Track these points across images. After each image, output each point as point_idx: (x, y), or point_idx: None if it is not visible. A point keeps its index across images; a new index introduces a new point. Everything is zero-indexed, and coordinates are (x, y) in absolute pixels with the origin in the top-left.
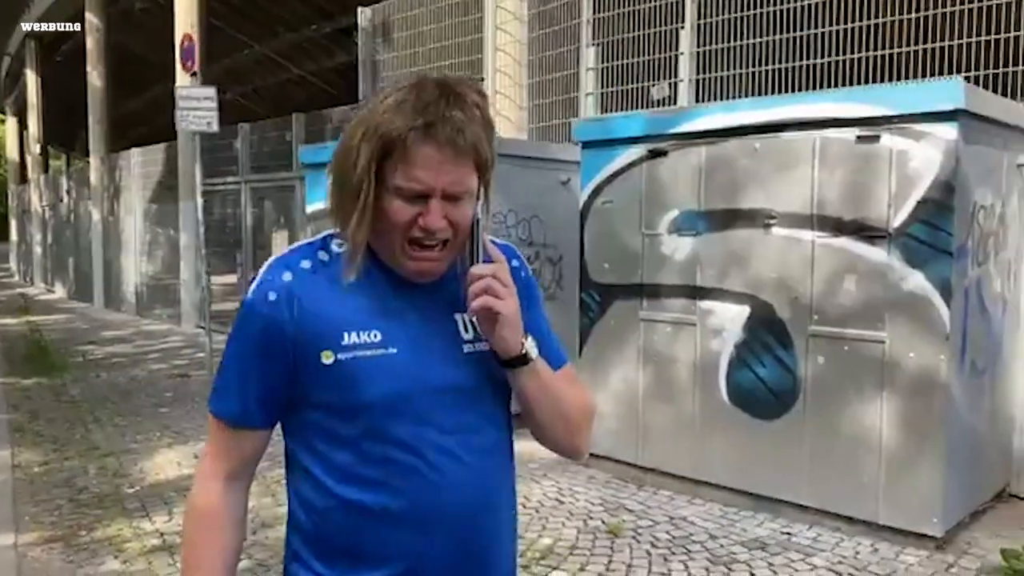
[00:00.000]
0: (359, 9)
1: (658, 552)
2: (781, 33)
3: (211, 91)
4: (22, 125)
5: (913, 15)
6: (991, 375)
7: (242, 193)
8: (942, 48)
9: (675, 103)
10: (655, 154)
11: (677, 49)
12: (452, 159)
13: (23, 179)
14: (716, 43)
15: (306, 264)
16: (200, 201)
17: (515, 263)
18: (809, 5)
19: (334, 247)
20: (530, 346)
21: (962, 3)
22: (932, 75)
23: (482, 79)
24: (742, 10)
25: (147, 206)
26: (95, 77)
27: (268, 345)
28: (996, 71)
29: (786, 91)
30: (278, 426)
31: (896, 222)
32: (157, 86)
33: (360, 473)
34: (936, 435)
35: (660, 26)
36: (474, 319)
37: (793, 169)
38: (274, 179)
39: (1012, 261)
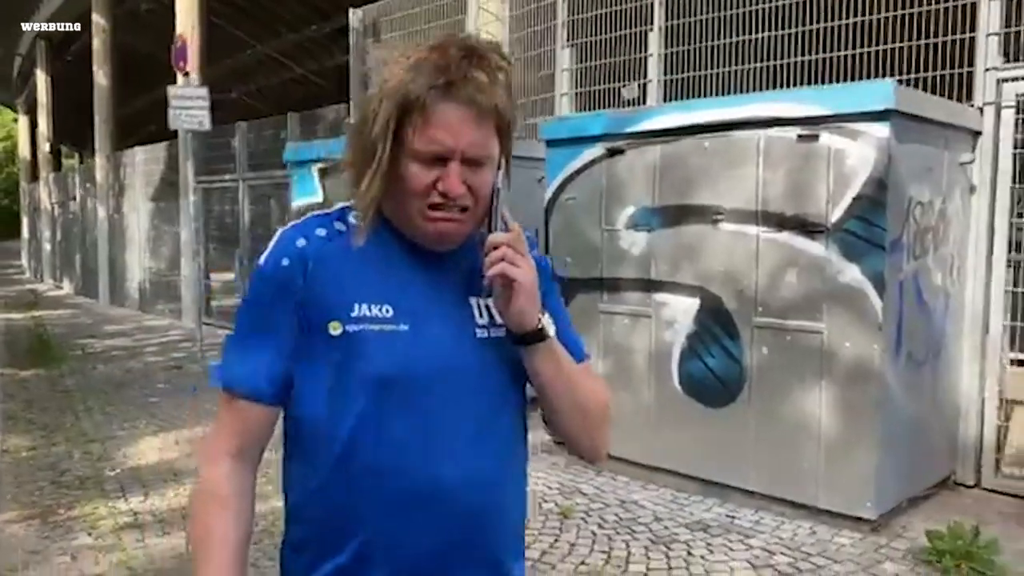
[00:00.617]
0: (350, 10)
1: (603, 532)
2: (744, 35)
3: (203, 91)
4: (33, 124)
5: (865, 18)
6: (932, 366)
7: (240, 190)
8: (894, 50)
9: (644, 103)
10: (613, 152)
11: (647, 51)
12: (473, 120)
13: (34, 177)
14: (683, 45)
15: (321, 232)
16: (192, 198)
17: (534, 252)
18: (771, 8)
19: (351, 219)
20: (547, 322)
21: (915, 6)
22: (883, 75)
23: None
24: (707, 12)
25: (150, 203)
26: (101, 76)
27: (278, 312)
28: (944, 72)
29: (749, 91)
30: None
31: (833, 217)
32: (164, 85)
33: (356, 455)
34: (870, 422)
35: (631, 28)
36: (490, 303)
37: (740, 167)
38: (270, 177)
39: (955, 256)
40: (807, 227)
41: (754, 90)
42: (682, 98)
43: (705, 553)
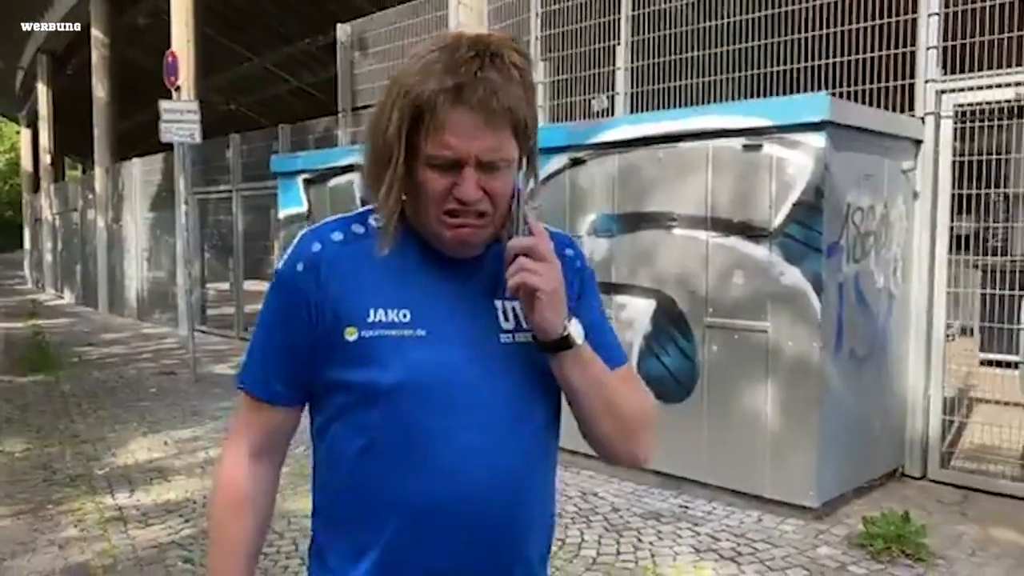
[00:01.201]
0: (338, 25)
1: (561, 522)
2: (706, 49)
3: (193, 105)
4: (35, 136)
5: (819, 32)
6: (876, 363)
7: (234, 201)
8: (845, 63)
9: (613, 114)
10: (576, 162)
11: (615, 64)
12: (486, 124)
13: (36, 188)
14: (649, 59)
15: (337, 236)
16: (184, 208)
17: (569, 252)
18: (731, 23)
19: (372, 221)
20: (574, 329)
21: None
22: (836, 87)
23: None
24: (670, 28)
25: (148, 214)
26: (100, 90)
27: (293, 317)
28: (889, 84)
29: (710, 101)
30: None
31: (776, 222)
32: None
33: (375, 462)
34: (811, 416)
35: (600, 43)
36: (516, 305)
37: (691, 175)
38: (264, 187)
39: (899, 258)
40: (752, 232)
41: (715, 101)
42: (649, 109)
43: (654, 539)
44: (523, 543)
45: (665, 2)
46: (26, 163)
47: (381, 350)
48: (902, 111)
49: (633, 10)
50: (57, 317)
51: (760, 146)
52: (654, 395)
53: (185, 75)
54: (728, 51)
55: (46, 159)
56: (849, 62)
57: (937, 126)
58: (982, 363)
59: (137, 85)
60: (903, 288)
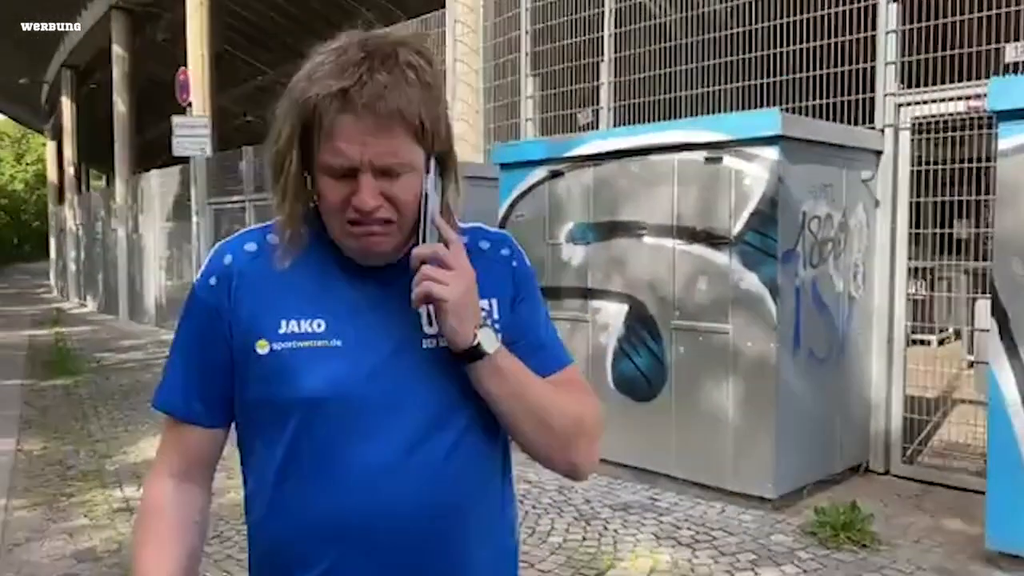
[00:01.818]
0: None
1: (535, 512)
2: (684, 65)
3: (204, 120)
4: (59, 148)
5: (787, 49)
6: (837, 363)
7: (247, 211)
8: (814, 77)
9: (597, 127)
10: (554, 174)
11: (599, 80)
12: (375, 128)
13: (60, 200)
14: (631, 74)
15: (251, 247)
16: (196, 219)
17: (504, 251)
18: (707, 39)
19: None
20: (485, 338)
21: (828, 37)
22: (804, 100)
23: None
24: (651, 44)
25: (166, 224)
26: (120, 104)
27: (207, 334)
28: (852, 98)
29: (689, 115)
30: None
31: (735, 231)
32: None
33: (293, 481)
34: (769, 412)
35: (585, 59)
36: (430, 309)
37: (658, 186)
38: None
39: (860, 264)
40: (714, 239)
41: (693, 114)
42: (631, 122)
43: (619, 527)
44: (468, 558)
45: (646, 20)
46: (51, 175)
47: (293, 362)
48: (864, 123)
49: (616, 28)
50: (79, 325)
51: (720, 159)
52: (626, 394)
53: (198, 92)
54: (706, 66)
55: (70, 171)
56: (817, 76)
57: (896, 137)
58: (970, 364)
59: (157, 98)
60: (865, 292)
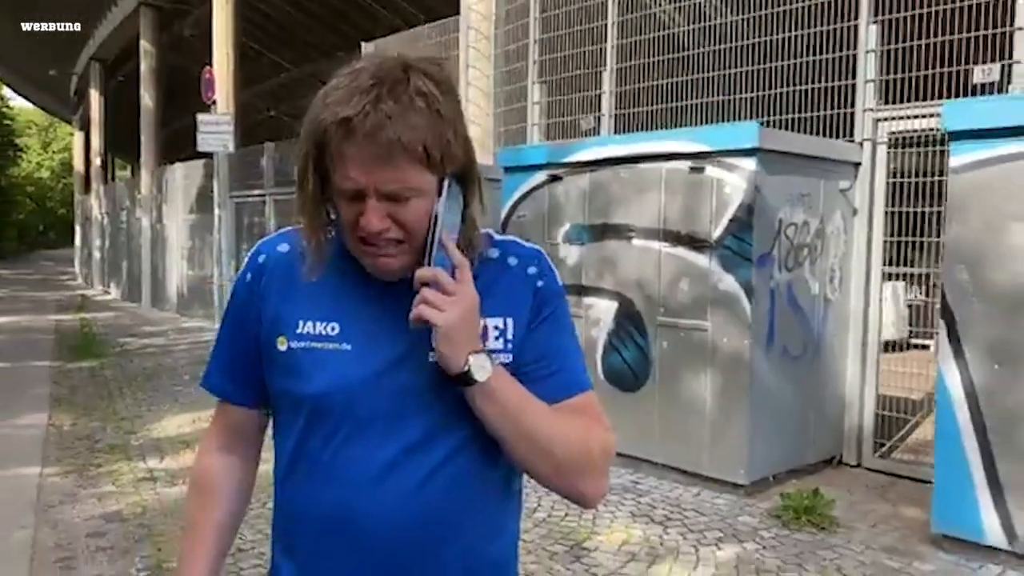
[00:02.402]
0: (363, 44)
1: (524, 491)
2: (681, 76)
3: (227, 118)
4: (87, 139)
5: (775, 64)
6: (811, 361)
7: (267, 205)
8: (800, 92)
9: (599, 134)
10: (554, 179)
11: (601, 88)
12: (377, 157)
13: (87, 189)
14: (632, 84)
15: (283, 247)
16: (218, 212)
17: (532, 270)
18: (704, 53)
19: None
20: (477, 365)
21: (816, 54)
22: (791, 113)
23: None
24: (651, 56)
25: (189, 215)
26: (147, 99)
27: (241, 324)
28: (834, 112)
29: (684, 125)
30: None
31: (715, 235)
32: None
33: (298, 470)
34: (742, 404)
35: (589, 68)
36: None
37: (647, 192)
38: (293, 192)
39: (836, 268)
40: (696, 243)
41: (688, 124)
42: (630, 130)
43: (600, 507)
44: (443, 566)
45: (648, 33)
46: (78, 165)
47: (306, 361)
48: (845, 136)
49: (618, 40)
50: (103, 311)
51: (703, 168)
52: (615, 385)
53: (222, 89)
54: (701, 79)
55: (96, 161)
56: (803, 91)
57: (874, 150)
58: None
59: (183, 92)
60: (841, 295)
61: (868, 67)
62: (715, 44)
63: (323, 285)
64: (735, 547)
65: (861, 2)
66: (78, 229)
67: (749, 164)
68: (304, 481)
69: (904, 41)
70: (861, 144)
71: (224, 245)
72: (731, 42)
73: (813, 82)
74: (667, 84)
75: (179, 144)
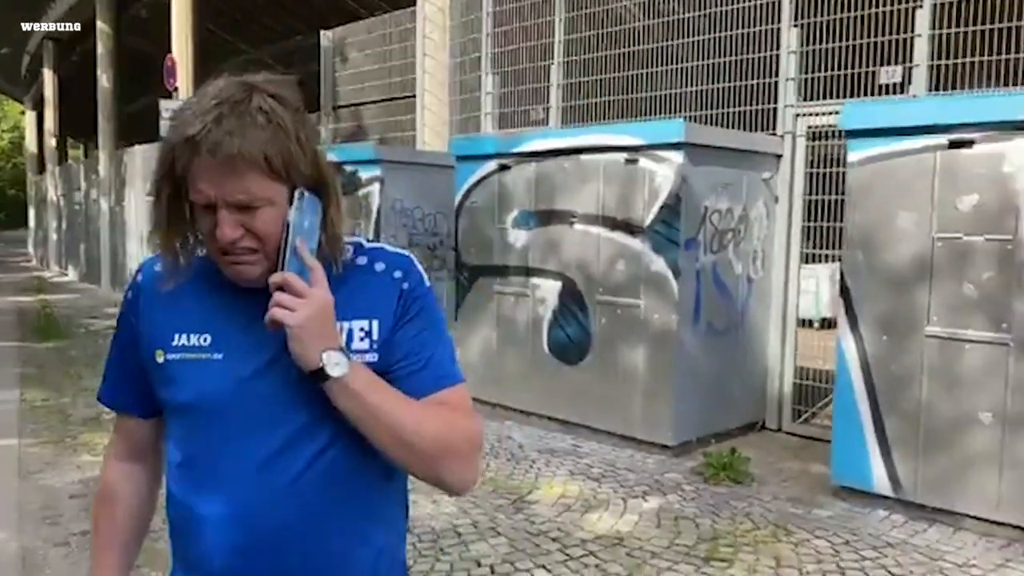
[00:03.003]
0: (321, 31)
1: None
2: (626, 71)
3: None
4: (40, 119)
5: (708, 62)
6: (736, 335)
7: None
8: (729, 88)
9: (548, 124)
10: (503, 167)
11: (549, 81)
12: (222, 170)
13: (41, 170)
14: (578, 77)
15: (159, 266)
16: None
17: (397, 274)
18: (647, 49)
19: (199, 252)
20: (331, 362)
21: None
22: (721, 108)
23: (412, 96)
24: (596, 51)
25: (148, 198)
26: (104, 80)
27: (127, 340)
28: (759, 107)
29: (626, 118)
30: None
31: (647, 221)
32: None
33: (185, 482)
34: (670, 374)
35: (539, 61)
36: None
37: (588, 182)
38: None
39: (759, 251)
40: (630, 228)
41: (629, 117)
42: (576, 121)
43: (542, 466)
44: (329, 566)
45: (594, 30)
46: (31, 145)
47: (180, 372)
48: (768, 130)
49: (566, 35)
50: (63, 293)
51: (637, 160)
52: (559, 358)
53: (183, 73)
54: (643, 74)
55: (51, 142)
56: (730, 88)
57: (794, 143)
58: None
59: (140, 73)
60: (764, 276)
61: (789, 66)
62: (655, 43)
63: (195, 298)
64: (659, 499)
65: (784, 6)
66: (32, 210)
67: (677, 157)
68: (191, 487)
69: (822, 43)
70: (783, 137)
71: None
72: (669, 40)
73: (742, 80)
74: (609, 79)
75: (135, 126)
